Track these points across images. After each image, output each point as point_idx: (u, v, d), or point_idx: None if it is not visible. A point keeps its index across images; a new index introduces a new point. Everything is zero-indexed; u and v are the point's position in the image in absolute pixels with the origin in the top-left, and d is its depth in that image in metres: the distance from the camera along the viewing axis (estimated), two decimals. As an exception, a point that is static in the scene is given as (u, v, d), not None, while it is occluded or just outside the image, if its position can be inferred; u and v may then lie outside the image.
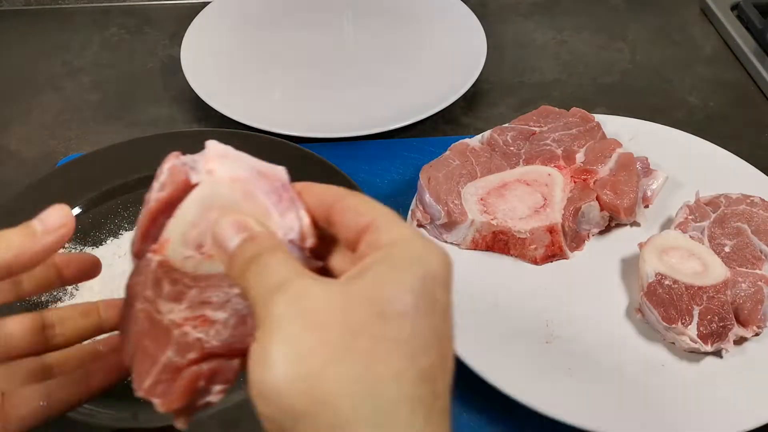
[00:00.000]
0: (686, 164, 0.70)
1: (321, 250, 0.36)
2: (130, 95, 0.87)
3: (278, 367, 0.28)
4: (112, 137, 0.80)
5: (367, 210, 0.33)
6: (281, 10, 0.96)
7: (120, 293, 0.37)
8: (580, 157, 0.67)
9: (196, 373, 0.34)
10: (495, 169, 0.66)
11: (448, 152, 0.67)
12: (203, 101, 0.80)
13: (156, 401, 0.34)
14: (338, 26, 0.94)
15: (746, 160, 0.70)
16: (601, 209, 0.64)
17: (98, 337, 0.41)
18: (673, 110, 0.84)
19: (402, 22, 0.94)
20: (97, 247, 0.65)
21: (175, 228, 0.35)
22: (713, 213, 0.63)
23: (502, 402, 0.55)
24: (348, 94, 0.84)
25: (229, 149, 0.37)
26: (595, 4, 1.01)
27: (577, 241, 0.64)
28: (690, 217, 0.63)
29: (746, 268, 0.59)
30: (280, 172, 0.38)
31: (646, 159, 0.68)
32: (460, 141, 0.69)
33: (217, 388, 0.35)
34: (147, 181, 0.61)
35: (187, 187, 0.35)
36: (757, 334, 0.56)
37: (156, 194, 0.35)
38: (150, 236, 0.36)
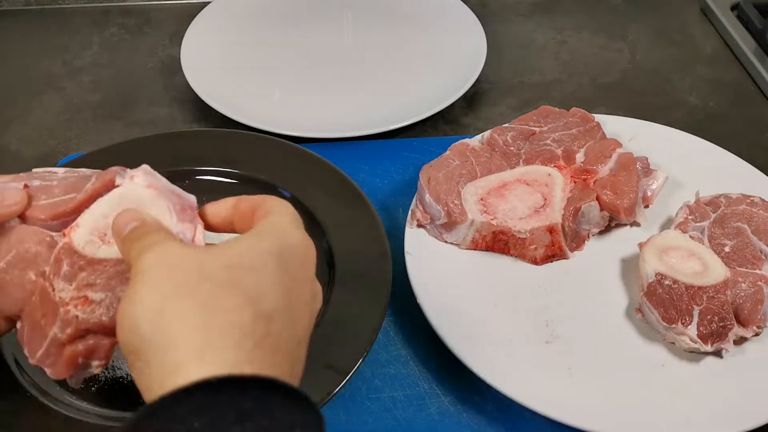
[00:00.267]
0: (686, 164, 0.70)
1: None
2: (130, 95, 0.87)
3: (138, 301, 0.34)
4: (112, 137, 0.80)
5: (260, 203, 0.41)
6: (281, 10, 0.96)
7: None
8: (580, 157, 0.67)
9: (74, 352, 0.41)
10: (495, 169, 0.66)
11: (448, 152, 0.67)
12: (203, 101, 0.80)
13: (47, 371, 0.41)
14: (338, 26, 0.94)
15: (746, 160, 0.70)
16: (601, 209, 0.64)
17: None
18: (673, 110, 0.84)
19: (402, 22, 0.94)
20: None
21: (88, 217, 0.43)
22: (713, 213, 0.63)
23: (502, 402, 0.55)
24: (348, 94, 0.84)
25: (157, 174, 0.44)
26: (595, 4, 1.01)
27: (577, 241, 0.64)
28: (690, 217, 0.63)
29: (746, 268, 0.59)
30: (192, 198, 0.44)
31: (646, 159, 0.68)
32: (460, 141, 0.69)
33: (95, 363, 0.42)
34: None
35: (111, 186, 0.43)
36: (757, 334, 0.56)
37: (88, 186, 0.43)
38: (69, 221, 0.43)
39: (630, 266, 0.63)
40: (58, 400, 0.51)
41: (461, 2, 0.95)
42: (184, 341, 0.32)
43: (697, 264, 0.58)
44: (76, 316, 0.40)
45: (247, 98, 0.81)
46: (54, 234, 0.43)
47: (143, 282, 0.35)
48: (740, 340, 0.57)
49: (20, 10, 1.00)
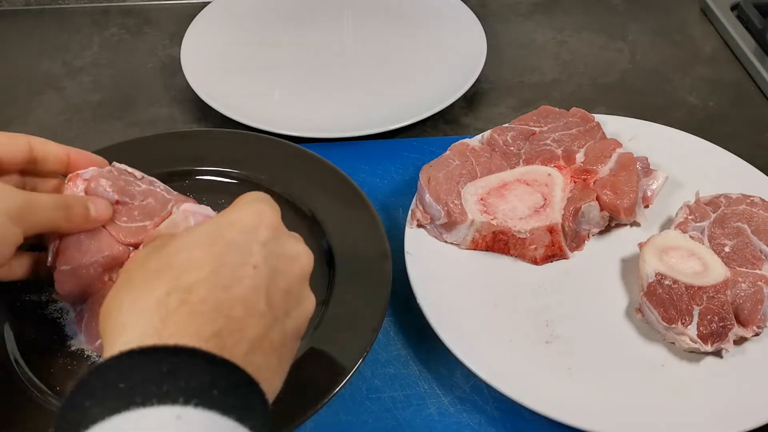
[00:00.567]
0: (686, 164, 0.70)
1: None
2: (130, 95, 0.87)
3: (107, 298, 0.39)
4: (112, 137, 0.80)
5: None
6: (281, 10, 0.96)
7: None
8: (580, 157, 0.67)
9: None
10: (495, 169, 0.66)
11: (448, 152, 0.67)
12: (203, 101, 0.80)
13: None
14: (338, 26, 0.94)
15: (746, 160, 0.70)
16: (601, 209, 0.64)
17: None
18: (673, 110, 0.84)
19: (402, 22, 0.94)
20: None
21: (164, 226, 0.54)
22: (713, 213, 0.63)
23: (502, 402, 0.55)
24: (348, 94, 0.84)
25: (208, 209, 0.54)
26: (595, 4, 1.01)
27: (577, 241, 0.64)
28: (690, 217, 0.63)
29: (746, 268, 0.59)
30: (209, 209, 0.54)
31: (646, 159, 0.68)
32: (460, 141, 0.69)
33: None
34: None
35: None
36: (757, 334, 0.56)
37: (161, 216, 0.55)
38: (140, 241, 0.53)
39: (630, 266, 0.63)
40: (58, 400, 0.51)
41: (461, 2, 0.95)
42: (112, 324, 0.37)
43: (697, 264, 0.58)
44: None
45: (247, 98, 0.81)
46: (130, 248, 0.53)
47: (117, 285, 0.40)
48: (740, 340, 0.57)
49: (20, 10, 1.00)
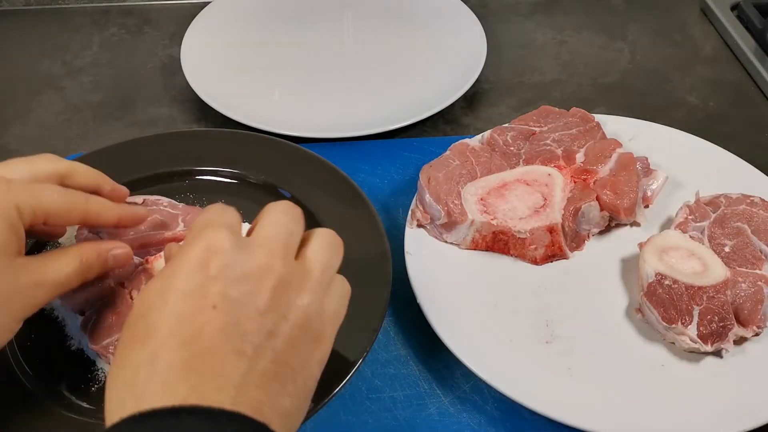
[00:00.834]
0: (686, 164, 0.70)
1: None
2: (130, 95, 0.87)
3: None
4: (112, 137, 0.80)
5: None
6: (281, 10, 0.96)
7: None
8: (580, 157, 0.67)
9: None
10: (495, 169, 0.66)
11: (448, 152, 0.67)
12: (203, 101, 0.80)
13: (107, 357, 0.52)
14: (338, 26, 0.94)
15: (746, 160, 0.70)
16: (601, 209, 0.64)
17: None
18: (673, 110, 0.84)
19: (402, 22, 0.94)
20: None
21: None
22: (713, 213, 0.63)
23: (502, 402, 0.55)
24: (348, 94, 0.84)
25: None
26: (595, 4, 1.01)
27: (577, 241, 0.64)
28: (690, 217, 0.63)
29: (746, 268, 0.59)
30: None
31: (646, 159, 0.68)
32: (460, 141, 0.69)
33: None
34: (147, 181, 0.63)
35: None
36: (757, 334, 0.56)
37: (178, 230, 0.57)
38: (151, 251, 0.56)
39: (630, 266, 0.63)
40: (58, 400, 0.51)
41: (461, 2, 0.95)
42: (106, 398, 0.37)
43: (697, 264, 0.58)
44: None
45: (247, 98, 0.81)
46: (136, 258, 0.54)
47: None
48: (740, 340, 0.57)
49: (20, 10, 1.00)
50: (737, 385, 0.54)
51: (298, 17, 0.95)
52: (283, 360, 0.37)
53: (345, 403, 0.56)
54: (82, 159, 0.68)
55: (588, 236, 0.65)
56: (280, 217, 0.41)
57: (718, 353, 0.56)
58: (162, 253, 0.55)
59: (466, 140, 0.69)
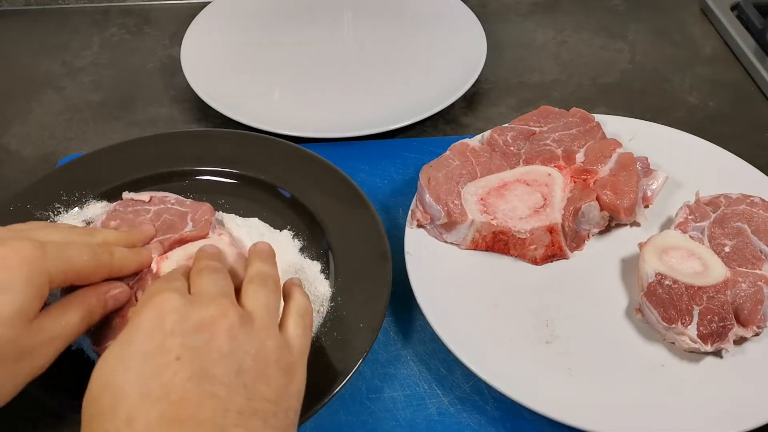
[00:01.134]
0: (686, 164, 0.70)
1: None
2: (130, 95, 0.87)
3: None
4: (112, 137, 0.80)
5: None
6: (281, 10, 0.96)
7: None
8: (580, 157, 0.67)
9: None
10: (495, 169, 0.66)
11: (448, 152, 0.67)
12: (203, 101, 0.80)
13: None
14: (338, 26, 0.94)
15: (746, 160, 0.70)
16: (601, 209, 0.64)
17: None
18: (673, 110, 0.84)
19: (402, 22, 0.94)
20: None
21: (180, 253, 0.55)
22: (713, 213, 0.63)
23: (502, 402, 0.55)
24: (348, 94, 0.84)
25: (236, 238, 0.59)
26: (595, 4, 1.01)
27: (577, 241, 0.64)
28: (690, 217, 0.63)
29: (746, 268, 0.59)
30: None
31: (646, 159, 0.68)
32: (460, 141, 0.69)
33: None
34: (147, 182, 0.63)
35: (204, 237, 0.57)
36: (757, 334, 0.56)
37: (185, 231, 0.57)
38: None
39: (630, 266, 0.63)
40: (58, 400, 0.51)
41: (461, 2, 0.95)
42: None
43: (697, 264, 0.58)
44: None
45: (247, 98, 0.81)
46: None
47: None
48: (740, 340, 0.57)
49: (20, 10, 1.00)
50: (737, 385, 0.54)
51: (298, 17, 0.95)
52: (257, 394, 0.39)
53: (345, 403, 0.56)
54: (82, 159, 0.68)
55: (588, 236, 0.65)
56: (214, 274, 0.46)
57: (718, 353, 0.56)
58: (168, 254, 0.55)
59: (466, 140, 0.69)
